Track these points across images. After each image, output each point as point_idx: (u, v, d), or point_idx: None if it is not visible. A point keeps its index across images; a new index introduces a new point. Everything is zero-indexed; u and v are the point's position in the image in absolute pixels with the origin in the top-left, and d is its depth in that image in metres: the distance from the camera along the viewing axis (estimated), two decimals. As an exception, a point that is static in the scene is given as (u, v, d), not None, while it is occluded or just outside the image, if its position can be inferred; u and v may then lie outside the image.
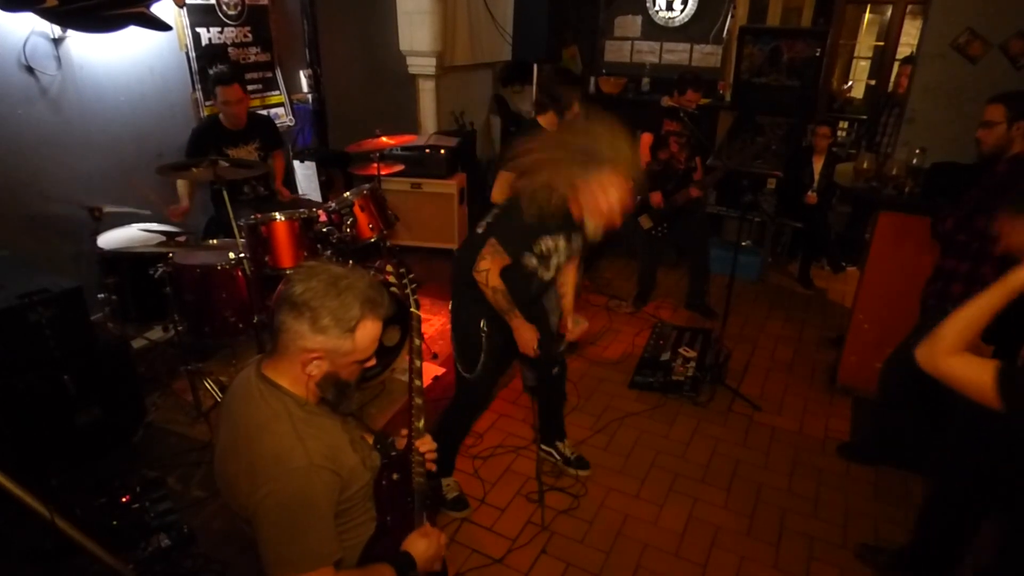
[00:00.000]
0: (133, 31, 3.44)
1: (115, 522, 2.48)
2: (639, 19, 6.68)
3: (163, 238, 3.20)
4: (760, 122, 6.07)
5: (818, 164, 5.06)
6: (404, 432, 1.69)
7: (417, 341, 1.71)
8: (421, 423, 1.69)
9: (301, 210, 3.29)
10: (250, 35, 4.43)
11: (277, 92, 4.75)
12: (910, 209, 3.26)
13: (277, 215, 3.18)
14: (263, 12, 4.49)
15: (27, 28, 3.20)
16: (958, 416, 2.33)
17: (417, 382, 1.69)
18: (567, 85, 3.36)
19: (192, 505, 2.72)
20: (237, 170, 3.26)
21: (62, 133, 3.45)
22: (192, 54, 4.05)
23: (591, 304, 4.80)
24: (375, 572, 1.51)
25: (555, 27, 4.55)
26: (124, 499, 2.58)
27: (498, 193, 3.32)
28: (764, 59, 6.05)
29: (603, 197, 2.19)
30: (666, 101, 4.29)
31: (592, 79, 6.85)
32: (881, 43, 7.06)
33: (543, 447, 3.13)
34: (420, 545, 1.59)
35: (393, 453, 1.65)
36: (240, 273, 3.13)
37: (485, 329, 2.47)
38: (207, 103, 4.10)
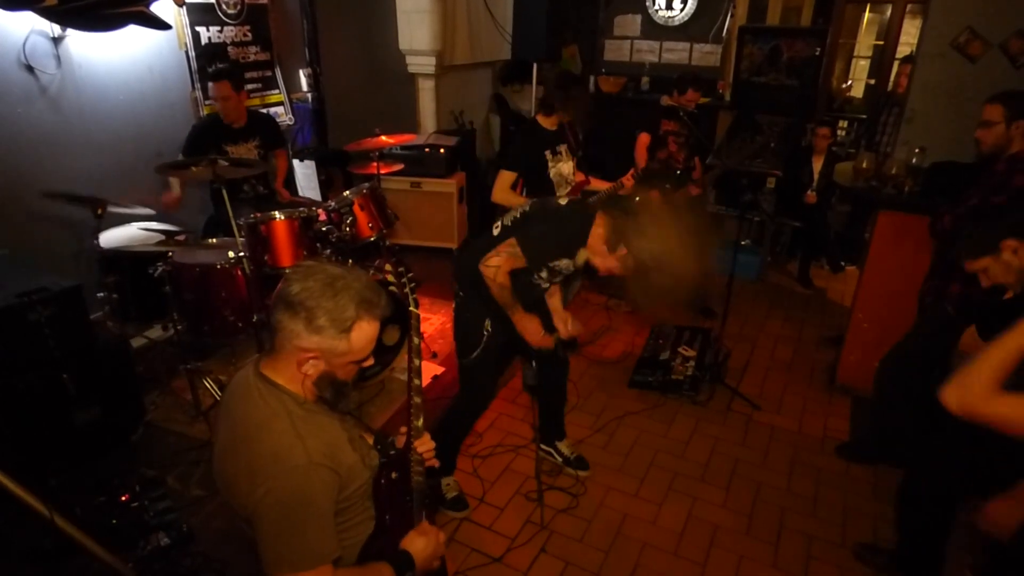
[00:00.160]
0: (133, 30, 3.44)
1: (114, 521, 2.48)
2: (639, 18, 6.67)
3: (163, 237, 3.20)
4: (759, 121, 6.07)
5: (817, 163, 5.07)
6: (403, 430, 1.70)
7: (416, 340, 1.71)
8: (420, 422, 1.69)
9: (301, 209, 3.29)
10: (250, 34, 4.43)
11: (277, 91, 4.75)
12: (909, 208, 3.26)
13: (277, 214, 3.17)
14: (263, 11, 4.49)
15: (27, 27, 3.20)
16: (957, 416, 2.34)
17: (416, 381, 1.69)
18: (572, 87, 3.35)
19: (191, 504, 2.73)
20: (236, 169, 3.26)
21: (62, 132, 3.45)
22: (192, 53, 4.05)
23: (590, 303, 4.80)
24: (374, 571, 1.51)
25: (555, 26, 4.55)
26: (123, 498, 2.58)
27: (498, 192, 3.32)
28: (764, 58, 6.05)
29: (602, 252, 2.25)
30: (665, 100, 4.29)
31: (592, 78, 6.84)
32: (881, 42, 7.06)
33: (542, 447, 3.13)
34: (419, 543, 1.59)
35: (392, 452, 1.65)
36: (239, 272, 3.13)
37: (489, 330, 2.48)
38: (207, 102, 4.10)
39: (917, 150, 3.33)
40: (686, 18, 6.44)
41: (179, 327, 3.19)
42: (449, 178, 5.23)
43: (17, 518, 1.96)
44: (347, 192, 3.61)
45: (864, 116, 6.70)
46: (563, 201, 2.49)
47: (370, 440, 1.69)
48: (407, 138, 4.46)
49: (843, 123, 7.02)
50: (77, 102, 3.51)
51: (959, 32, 3.30)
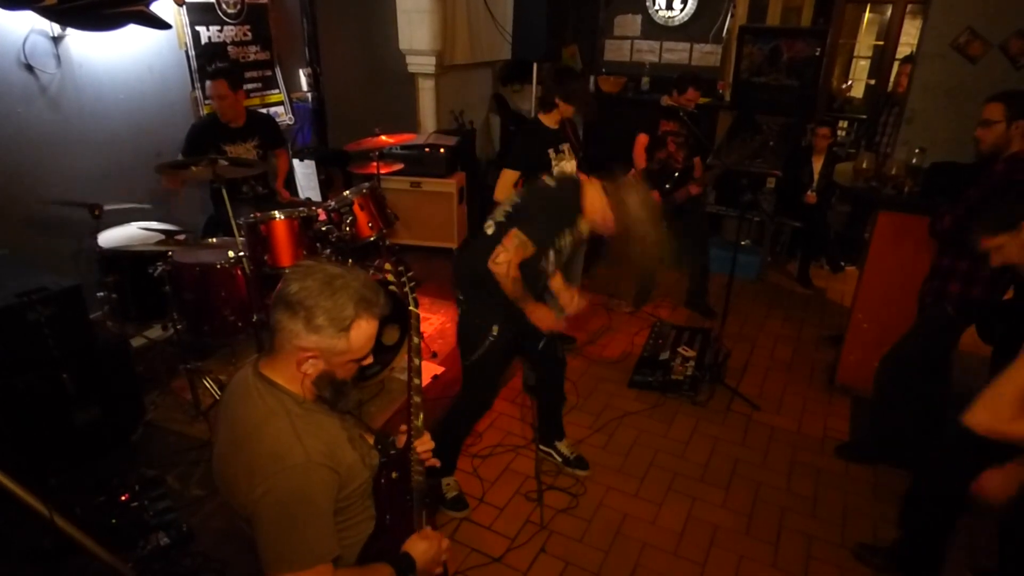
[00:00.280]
0: (132, 29, 3.44)
1: (114, 521, 2.48)
2: (639, 18, 6.67)
3: (162, 237, 3.20)
4: (759, 121, 6.06)
5: (817, 163, 5.07)
6: (403, 429, 1.70)
7: (416, 339, 1.71)
8: (420, 421, 1.69)
9: (300, 209, 3.30)
10: (250, 33, 4.43)
11: (276, 91, 4.75)
12: (909, 209, 3.26)
13: (276, 214, 3.17)
14: (263, 10, 4.49)
15: (27, 26, 3.20)
16: (955, 415, 2.34)
17: (416, 380, 1.69)
18: (571, 81, 3.36)
19: (191, 503, 2.72)
20: (236, 169, 3.25)
21: (61, 131, 3.45)
22: (191, 52, 4.05)
23: (590, 303, 4.79)
24: (374, 572, 1.51)
25: (555, 26, 4.55)
26: (123, 498, 2.58)
27: (501, 191, 3.31)
28: (764, 58, 6.05)
29: (602, 210, 2.41)
30: (665, 100, 4.28)
31: (592, 78, 6.84)
32: (881, 43, 7.06)
33: (542, 447, 3.13)
34: (420, 547, 1.59)
35: (392, 452, 1.65)
36: (239, 272, 3.13)
37: (495, 334, 2.48)
38: (206, 101, 4.09)
39: (917, 150, 3.33)
40: (686, 18, 6.44)
41: (179, 327, 3.19)
42: (449, 178, 5.23)
43: (17, 518, 1.96)
44: (347, 192, 3.61)
45: (864, 116, 6.70)
46: (549, 181, 2.53)
47: (370, 440, 1.69)
48: (407, 138, 4.46)
49: (843, 123, 7.02)
50: (77, 102, 3.51)
51: (959, 32, 3.30)
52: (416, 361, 1.70)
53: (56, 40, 3.34)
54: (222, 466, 1.45)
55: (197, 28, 4.06)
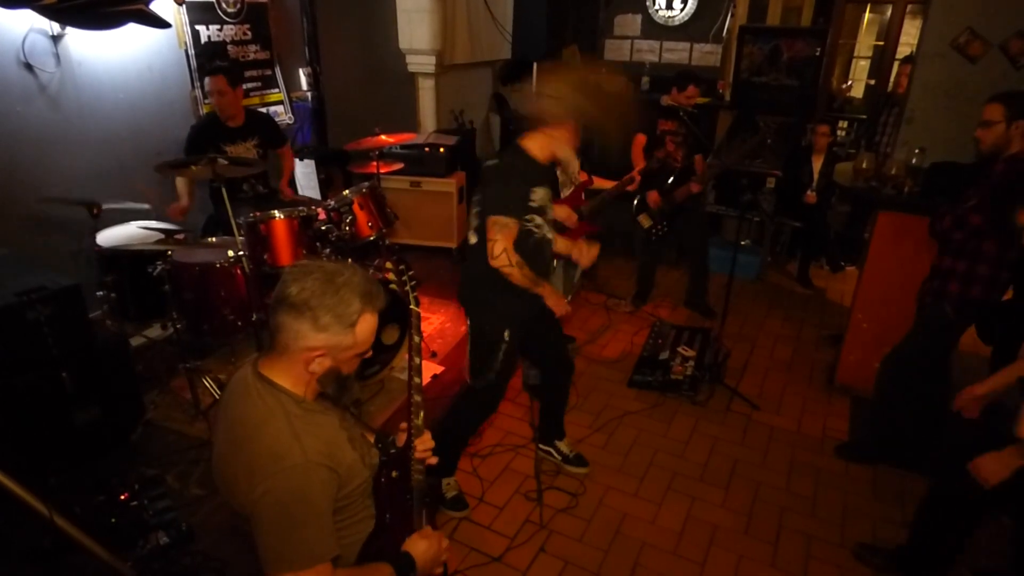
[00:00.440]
0: (132, 28, 3.44)
1: (114, 520, 2.48)
2: (639, 18, 6.66)
3: (162, 236, 3.19)
4: (760, 121, 6.06)
5: (817, 163, 5.06)
6: (404, 426, 1.70)
7: (417, 338, 1.71)
8: (420, 420, 1.69)
9: (300, 208, 3.29)
10: (249, 33, 4.43)
11: (276, 90, 4.74)
12: (909, 209, 3.26)
13: (276, 213, 3.17)
14: (262, 10, 4.49)
15: (26, 25, 3.20)
16: (956, 415, 2.34)
17: (416, 379, 1.69)
18: None
19: (191, 503, 2.72)
20: (235, 168, 3.25)
21: (61, 131, 3.45)
22: (191, 52, 4.04)
23: (590, 303, 4.80)
24: (374, 571, 1.51)
25: (554, 25, 4.56)
26: (123, 497, 2.58)
27: None
28: (764, 58, 6.05)
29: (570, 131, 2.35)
30: (665, 100, 4.28)
31: (591, 78, 6.84)
32: (881, 43, 7.06)
33: (541, 446, 3.13)
34: (420, 546, 1.59)
35: (393, 451, 1.65)
36: (239, 271, 3.13)
37: (507, 339, 2.47)
38: (206, 101, 4.09)
39: (917, 150, 3.33)
40: (686, 18, 6.43)
41: (178, 326, 3.19)
42: (449, 177, 5.23)
43: (17, 517, 1.96)
44: (347, 191, 3.61)
45: (864, 116, 6.70)
46: (490, 162, 2.43)
47: (371, 439, 1.69)
48: (407, 137, 4.46)
49: (843, 123, 7.02)
50: (76, 101, 3.50)
51: (959, 32, 3.30)
52: (417, 360, 1.70)
53: (55, 39, 3.34)
54: (222, 466, 1.45)
55: (197, 27, 4.06)
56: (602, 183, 3.55)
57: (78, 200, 3.11)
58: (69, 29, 3.33)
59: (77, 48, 3.45)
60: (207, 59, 4.10)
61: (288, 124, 4.83)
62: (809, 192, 5.06)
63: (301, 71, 4.95)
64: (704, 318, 4.59)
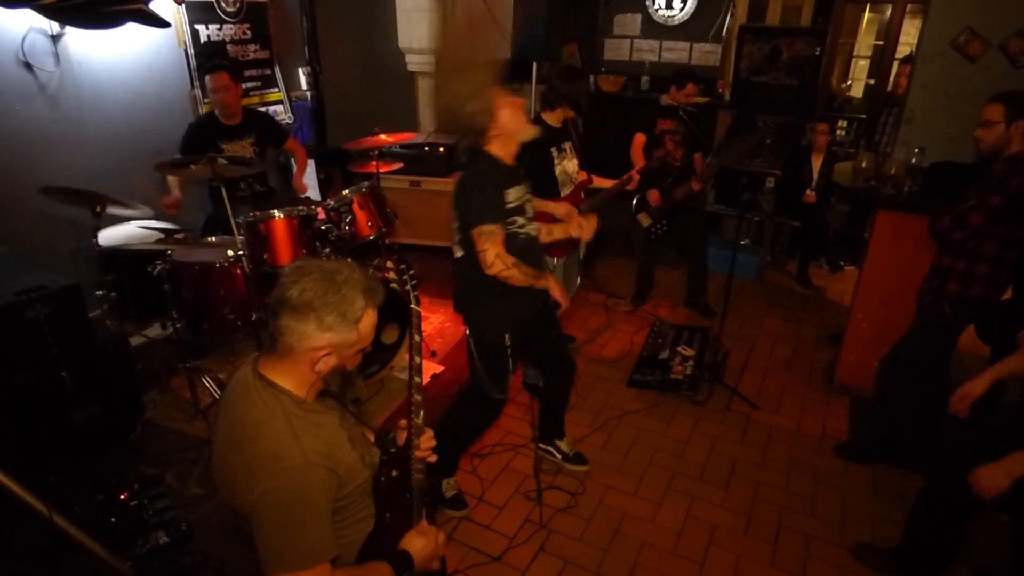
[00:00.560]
0: (131, 28, 3.44)
1: (113, 519, 2.47)
2: (638, 17, 6.66)
3: (161, 235, 3.20)
4: (759, 121, 6.07)
5: (817, 163, 5.07)
6: (403, 424, 1.70)
7: (417, 338, 1.71)
8: (420, 419, 1.69)
9: (300, 208, 3.29)
10: (249, 32, 4.43)
11: (276, 89, 4.74)
12: (909, 208, 3.26)
13: (276, 212, 3.17)
14: (262, 9, 4.49)
15: (25, 24, 3.20)
16: (954, 415, 2.34)
17: (417, 379, 1.69)
18: (576, 81, 3.35)
19: (190, 502, 2.73)
20: (234, 167, 3.25)
21: (60, 130, 3.45)
22: (191, 51, 4.05)
23: (589, 302, 4.80)
24: (372, 570, 1.51)
25: (554, 25, 4.55)
26: (122, 496, 2.57)
27: None
28: (763, 58, 6.05)
29: (510, 107, 2.27)
30: (665, 100, 4.28)
31: (591, 77, 6.84)
32: (880, 42, 7.06)
33: (541, 445, 3.13)
34: (418, 543, 1.59)
35: (393, 449, 1.65)
36: (239, 270, 3.13)
37: (509, 343, 2.46)
38: (205, 100, 4.09)
39: (916, 150, 3.33)
40: (686, 17, 6.43)
41: (178, 325, 3.19)
42: (449, 177, 5.21)
43: (16, 516, 1.96)
44: (346, 191, 3.61)
45: (864, 116, 6.70)
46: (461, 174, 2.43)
47: (371, 438, 1.69)
48: (406, 137, 4.46)
49: (842, 123, 7.02)
50: (76, 100, 3.50)
51: (959, 32, 3.30)
52: (417, 359, 1.70)
53: (55, 38, 3.34)
54: (221, 466, 1.45)
55: (196, 26, 4.06)
56: (601, 182, 3.56)
57: (82, 191, 3.08)
58: (68, 28, 3.34)
59: (76, 47, 3.45)
60: (206, 58, 4.10)
61: (288, 123, 4.82)
62: (808, 192, 5.06)
63: (300, 70, 4.95)
64: (703, 317, 4.59)
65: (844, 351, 3.72)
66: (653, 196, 4.22)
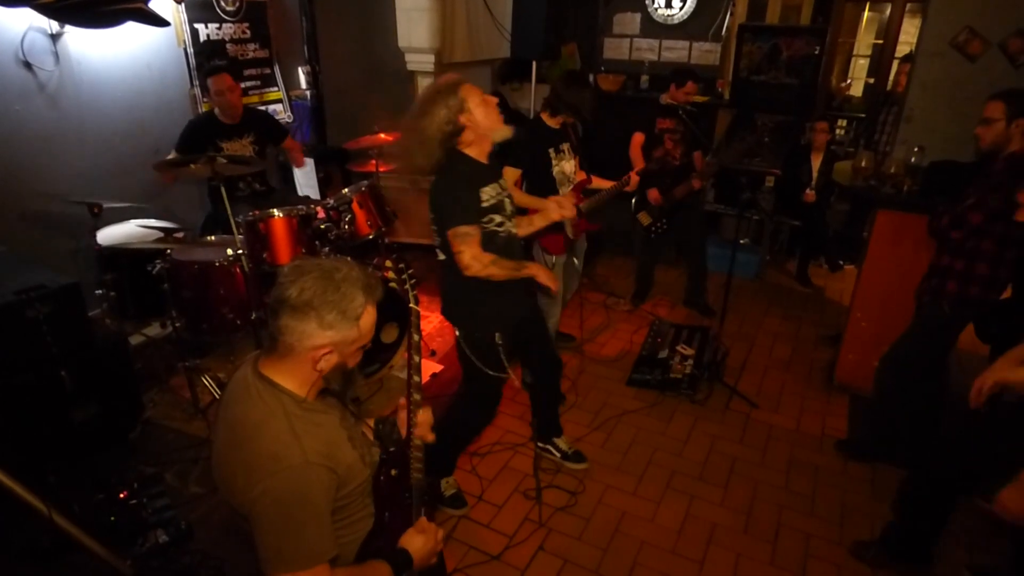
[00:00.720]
0: (131, 27, 3.44)
1: (113, 518, 2.47)
2: (638, 16, 6.67)
3: (161, 234, 3.19)
4: (757, 120, 6.07)
5: (816, 162, 5.07)
6: (403, 403, 1.70)
7: (416, 337, 1.71)
8: (419, 417, 1.69)
9: (299, 207, 3.29)
10: (248, 31, 4.42)
11: (275, 88, 4.74)
12: (908, 207, 3.26)
13: (275, 212, 3.17)
14: (261, 8, 4.48)
15: (25, 23, 3.20)
16: (953, 413, 2.35)
17: (416, 378, 1.69)
18: (580, 89, 3.33)
19: (190, 501, 2.73)
20: (234, 166, 3.25)
21: (59, 129, 3.45)
22: (190, 50, 4.04)
23: (589, 302, 4.80)
24: (371, 569, 1.51)
25: (554, 24, 4.55)
26: (122, 495, 2.57)
27: None
28: (763, 57, 6.05)
29: (483, 105, 2.25)
30: (664, 99, 4.28)
31: (591, 76, 6.84)
32: (880, 41, 7.06)
33: (540, 444, 3.13)
34: (417, 541, 1.59)
35: (395, 436, 1.65)
36: (238, 270, 3.13)
37: (500, 342, 2.46)
38: (204, 99, 4.09)
39: (916, 149, 3.34)
40: (685, 16, 6.43)
41: (177, 324, 3.19)
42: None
43: (16, 516, 1.96)
44: (346, 190, 3.61)
45: (863, 115, 6.70)
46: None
47: (370, 433, 1.69)
48: (406, 136, 4.45)
49: (842, 122, 7.02)
50: (75, 99, 3.50)
51: (958, 31, 3.30)
52: (416, 358, 1.69)
53: (54, 37, 3.34)
54: (221, 465, 1.44)
55: (196, 25, 4.06)
56: (600, 183, 3.55)
57: (80, 201, 3.09)
58: (68, 27, 3.33)
59: (76, 46, 3.45)
60: (206, 58, 4.10)
61: (287, 123, 4.82)
62: (808, 191, 5.06)
63: (300, 69, 4.95)
64: (703, 317, 4.60)
65: (843, 350, 3.72)
66: (653, 195, 4.22)
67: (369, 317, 1.44)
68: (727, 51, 6.41)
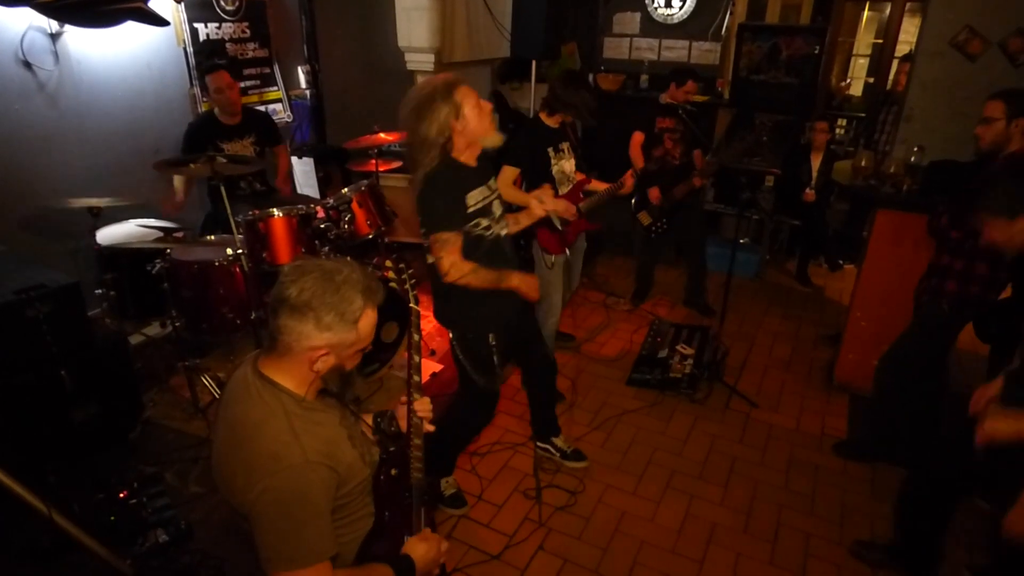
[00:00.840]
0: (131, 26, 3.43)
1: (113, 518, 2.47)
2: (638, 16, 6.66)
3: (161, 234, 3.19)
4: (756, 119, 6.06)
5: (816, 161, 5.06)
6: (403, 399, 1.70)
7: (416, 336, 1.71)
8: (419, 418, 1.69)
9: (299, 206, 3.29)
10: (248, 31, 4.42)
11: (275, 88, 4.74)
12: (908, 207, 3.26)
13: (275, 211, 3.17)
14: (261, 7, 4.48)
15: (25, 23, 3.20)
16: (953, 413, 2.34)
17: (416, 377, 1.69)
18: (578, 89, 3.33)
19: (190, 501, 2.73)
20: (234, 166, 3.25)
21: (59, 129, 3.45)
22: (190, 50, 4.04)
23: (589, 301, 4.80)
24: (373, 572, 1.51)
25: (554, 24, 4.54)
26: (121, 495, 2.57)
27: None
28: (763, 56, 6.04)
29: (476, 110, 2.23)
30: (664, 98, 4.28)
31: (591, 76, 6.84)
32: (880, 40, 7.06)
33: (539, 444, 3.13)
34: (420, 549, 1.59)
35: (394, 429, 1.65)
36: (238, 269, 3.13)
37: (494, 343, 2.45)
38: (204, 98, 4.09)
39: (916, 148, 3.34)
40: (685, 16, 6.43)
41: (177, 324, 3.19)
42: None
43: (16, 515, 1.96)
44: (345, 189, 3.61)
45: (863, 114, 6.70)
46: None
47: (369, 420, 1.68)
48: (406, 135, 4.44)
49: (842, 121, 7.02)
50: (75, 99, 3.50)
51: (958, 30, 3.30)
52: (416, 358, 1.70)
53: (54, 37, 3.33)
54: (221, 464, 1.45)
55: (195, 25, 4.05)
56: (597, 185, 3.54)
57: (81, 207, 3.09)
58: (68, 27, 3.33)
59: (76, 46, 3.44)
60: (206, 57, 4.10)
61: (287, 122, 4.82)
62: (808, 190, 5.06)
63: (300, 69, 4.95)
64: (703, 316, 4.60)
65: (843, 350, 3.72)
66: (654, 194, 4.22)
67: (368, 321, 1.44)
68: (727, 50, 6.41)
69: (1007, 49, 3.23)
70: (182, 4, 3.89)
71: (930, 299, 2.82)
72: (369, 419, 1.71)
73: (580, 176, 3.51)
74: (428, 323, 4.28)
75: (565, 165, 3.43)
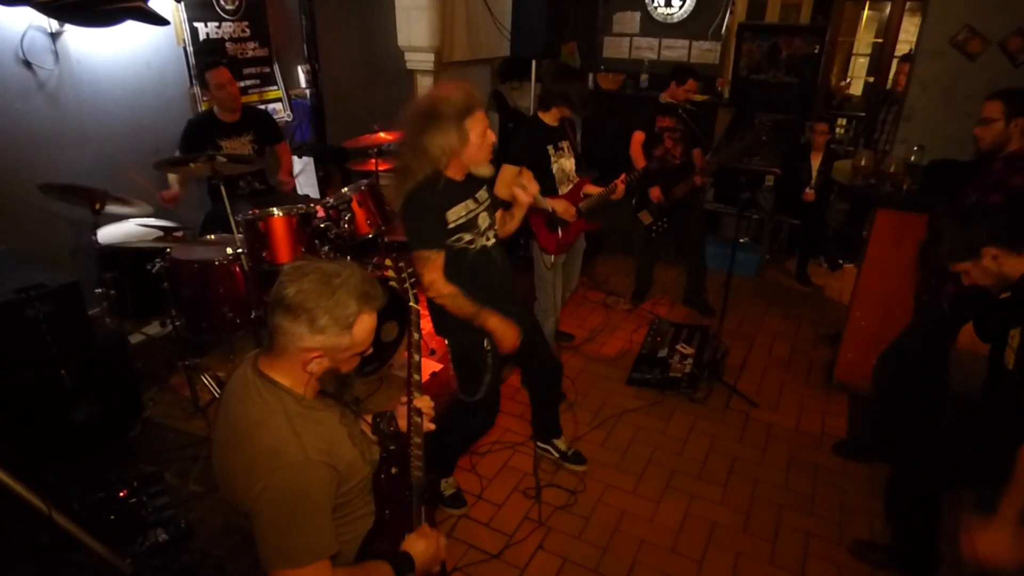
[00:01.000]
0: (131, 26, 3.44)
1: (112, 517, 2.48)
2: (638, 15, 6.66)
3: (161, 233, 3.19)
4: (755, 119, 6.06)
5: (816, 161, 5.06)
6: (403, 399, 1.70)
7: (416, 336, 1.71)
8: (419, 417, 1.69)
9: (299, 206, 3.29)
10: (248, 30, 4.42)
11: (275, 87, 4.74)
12: (908, 207, 3.26)
13: (275, 211, 3.17)
14: (261, 7, 4.48)
15: (25, 22, 3.20)
16: (953, 413, 2.35)
17: (416, 377, 1.69)
18: (569, 80, 3.33)
19: (189, 500, 2.73)
20: (233, 164, 3.25)
21: (59, 128, 3.45)
22: (190, 49, 4.04)
23: (589, 300, 4.80)
24: (373, 569, 1.52)
25: (553, 23, 4.54)
26: (121, 494, 2.58)
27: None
28: (763, 56, 6.04)
29: (480, 139, 2.22)
30: (664, 97, 4.28)
31: (590, 75, 6.84)
32: (880, 40, 7.06)
33: (539, 443, 3.13)
34: (419, 546, 1.59)
35: (393, 428, 1.65)
36: (238, 268, 3.13)
37: (489, 348, 2.43)
38: (204, 97, 4.09)
39: (916, 148, 3.34)
40: (685, 15, 6.43)
41: (177, 323, 3.19)
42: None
43: (16, 514, 1.96)
44: (345, 189, 3.61)
45: (863, 114, 6.70)
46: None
47: (368, 420, 1.69)
48: (406, 135, 4.44)
49: (842, 121, 7.02)
50: (75, 98, 3.50)
51: (958, 30, 3.30)
52: (416, 357, 1.70)
53: (54, 36, 3.33)
54: (221, 463, 1.45)
55: (195, 24, 4.05)
56: (592, 189, 3.52)
57: (80, 187, 3.05)
58: (68, 26, 3.33)
59: (76, 45, 3.44)
60: (205, 56, 4.10)
61: (287, 122, 4.82)
62: (808, 190, 5.06)
63: (300, 68, 4.95)
64: (703, 316, 4.60)
65: (843, 349, 3.73)
66: (655, 193, 4.22)
67: (364, 326, 1.42)
68: (727, 50, 6.41)
69: (1007, 48, 3.23)
70: (182, 3, 3.89)
71: (930, 299, 2.82)
72: (368, 419, 1.71)
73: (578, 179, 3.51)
74: (428, 322, 4.28)
75: (565, 163, 3.42)
